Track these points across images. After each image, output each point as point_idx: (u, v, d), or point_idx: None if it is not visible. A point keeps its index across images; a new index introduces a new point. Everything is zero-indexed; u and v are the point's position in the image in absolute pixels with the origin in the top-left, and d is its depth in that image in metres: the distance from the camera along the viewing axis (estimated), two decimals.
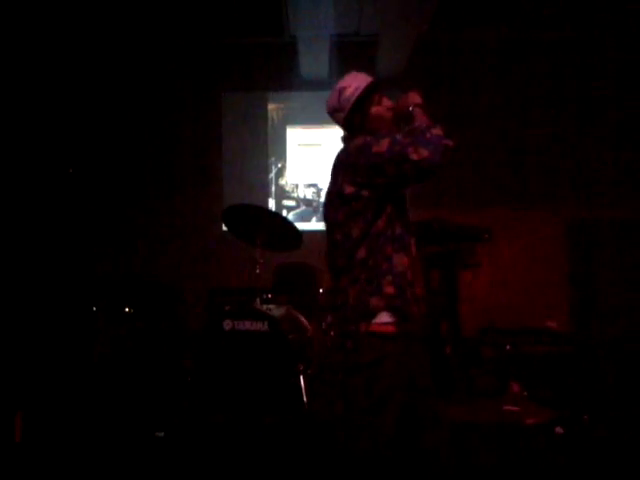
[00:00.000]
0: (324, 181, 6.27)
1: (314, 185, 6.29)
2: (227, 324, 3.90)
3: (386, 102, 2.36)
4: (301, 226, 5.93)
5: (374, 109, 2.34)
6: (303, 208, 6.30)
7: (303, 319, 4.27)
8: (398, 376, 2.17)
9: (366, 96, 2.33)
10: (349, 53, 6.15)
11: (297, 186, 6.30)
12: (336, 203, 2.27)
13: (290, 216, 6.24)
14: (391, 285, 2.16)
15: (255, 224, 4.06)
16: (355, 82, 2.35)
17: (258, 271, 4.15)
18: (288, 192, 6.30)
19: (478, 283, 5.16)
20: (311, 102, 6.29)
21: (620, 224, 5.41)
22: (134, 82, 6.19)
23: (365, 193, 2.20)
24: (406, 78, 6.12)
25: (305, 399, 3.85)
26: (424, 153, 2.07)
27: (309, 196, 6.30)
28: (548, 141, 6.09)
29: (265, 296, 4.25)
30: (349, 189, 2.20)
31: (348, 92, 2.33)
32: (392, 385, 2.16)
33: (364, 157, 2.18)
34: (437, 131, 2.14)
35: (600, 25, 5.72)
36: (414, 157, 2.07)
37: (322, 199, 6.15)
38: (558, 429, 3.67)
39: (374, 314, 2.16)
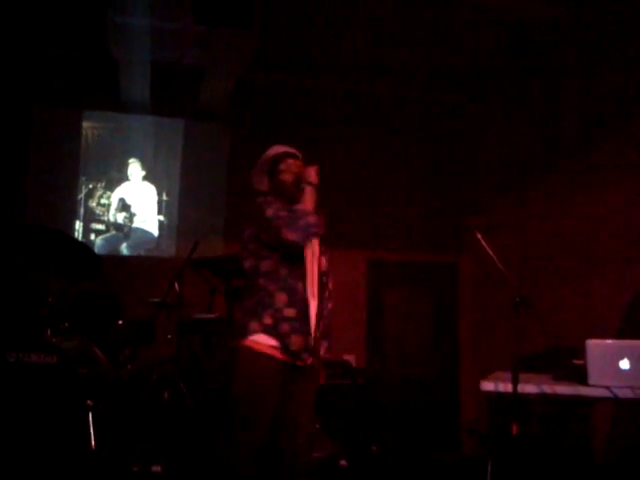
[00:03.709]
0: (137, 207, 6.10)
1: (127, 209, 6.07)
2: (11, 356, 3.65)
3: (291, 168, 2.86)
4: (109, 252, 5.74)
5: (280, 176, 2.87)
6: (113, 233, 6.04)
7: (98, 352, 4.09)
8: (269, 391, 2.58)
9: (273, 166, 2.89)
10: (173, 80, 6.11)
11: (108, 209, 6.03)
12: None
13: (98, 241, 5.96)
14: (270, 317, 2.60)
15: (49, 249, 3.84)
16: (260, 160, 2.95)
17: (51, 299, 3.93)
18: (98, 215, 6.01)
19: None
20: (130, 125, 6.13)
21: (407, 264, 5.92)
22: None
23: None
24: (227, 113, 6.22)
25: (92, 437, 3.69)
26: (293, 237, 2.60)
27: (120, 221, 6.06)
28: (353, 189, 6.40)
29: (60, 326, 4.02)
30: (247, 233, 2.75)
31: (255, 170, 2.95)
32: (261, 399, 2.57)
33: (256, 215, 2.71)
34: (311, 219, 2.64)
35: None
36: (285, 237, 2.60)
37: (134, 225, 6.05)
38: (343, 462, 3.88)
39: (251, 334, 2.60)
